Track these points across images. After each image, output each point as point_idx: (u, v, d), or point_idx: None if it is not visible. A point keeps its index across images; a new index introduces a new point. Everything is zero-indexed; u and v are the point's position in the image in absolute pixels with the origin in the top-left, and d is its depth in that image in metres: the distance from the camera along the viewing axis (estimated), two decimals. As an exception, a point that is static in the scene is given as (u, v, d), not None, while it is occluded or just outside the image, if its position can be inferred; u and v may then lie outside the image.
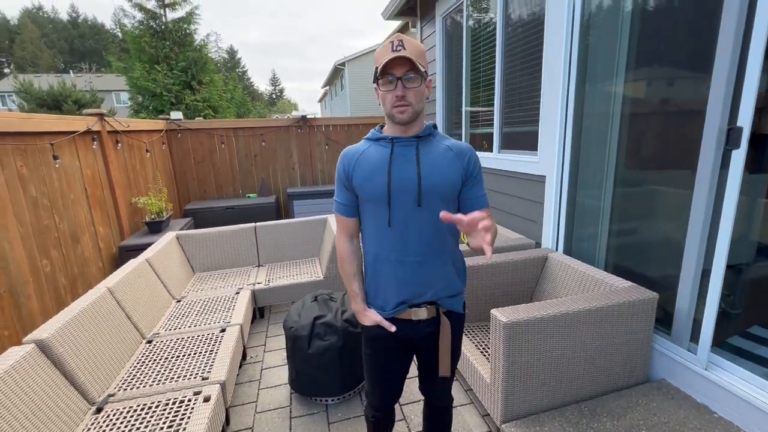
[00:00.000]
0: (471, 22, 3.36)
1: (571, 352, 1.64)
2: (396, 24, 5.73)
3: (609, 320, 1.66)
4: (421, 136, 1.16)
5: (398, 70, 1.06)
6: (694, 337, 1.66)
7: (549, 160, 2.39)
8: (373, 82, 1.12)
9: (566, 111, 2.25)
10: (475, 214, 0.87)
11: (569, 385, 1.68)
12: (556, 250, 2.43)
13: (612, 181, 2.04)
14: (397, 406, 1.93)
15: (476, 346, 2.01)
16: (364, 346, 1.32)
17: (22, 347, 1.52)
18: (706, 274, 1.58)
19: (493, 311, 1.59)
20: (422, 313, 1.21)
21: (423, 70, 1.07)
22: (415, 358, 1.38)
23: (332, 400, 2.01)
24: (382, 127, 1.22)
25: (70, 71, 41.96)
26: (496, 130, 3.03)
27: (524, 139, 2.72)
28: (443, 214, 0.87)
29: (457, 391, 2.07)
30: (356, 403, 2.02)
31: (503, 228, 2.94)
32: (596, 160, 2.12)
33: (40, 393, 1.47)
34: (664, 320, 1.80)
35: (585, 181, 2.23)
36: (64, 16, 53.66)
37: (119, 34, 8.74)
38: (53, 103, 15.15)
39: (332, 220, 3.38)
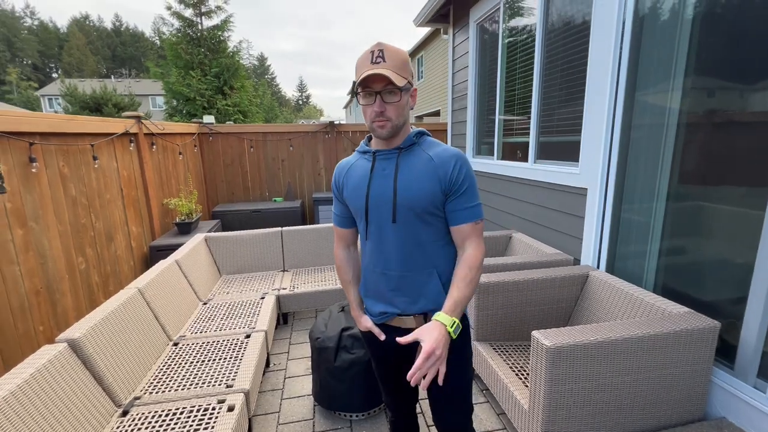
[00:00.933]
0: (507, 28, 3.26)
1: (618, 381, 1.50)
2: (421, 34, 5.68)
3: (663, 349, 1.51)
4: (402, 147, 1.10)
5: (377, 84, 1.00)
6: (763, 372, 1.49)
7: (592, 172, 2.26)
8: (350, 94, 1.08)
9: (613, 120, 2.12)
10: (426, 349, 0.93)
11: (615, 418, 1.54)
12: (598, 267, 2.28)
13: (665, 196, 1.89)
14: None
15: (511, 367, 1.89)
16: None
17: (55, 346, 1.53)
18: (778, 303, 1.41)
19: (535, 333, 1.48)
20: (409, 322, 1.17)
21: (404, 83, 1.00)
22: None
23: (357, 416, 1.93)
24: (371, 138, 1.17)
25: (112, 76, 44.36)
26: (532, 140, 2.91)
27: (563, 150, 2.59)
28: (400, 340, 0.97)
29: (487, 414, 1.95)
30: (381, 419, 1.93)
31: (538, 242, 2.80)
32: (647, 173, 1.98)
33: (70, 393, 1.46)
34: (725, 352, 1.63)
35: (632, 195, 2.08)
36: (108, 24, 56.89)
37: (158, 42, 9.14)
38: (95, 106, 15.98)
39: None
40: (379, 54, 0.99)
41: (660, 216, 1.92)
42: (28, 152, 2.18)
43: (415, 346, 1.09)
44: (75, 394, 1.49)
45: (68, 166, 2.56)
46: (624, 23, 2.01)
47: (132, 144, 3.38)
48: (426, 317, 1.15)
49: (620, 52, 2.04)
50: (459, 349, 1.14)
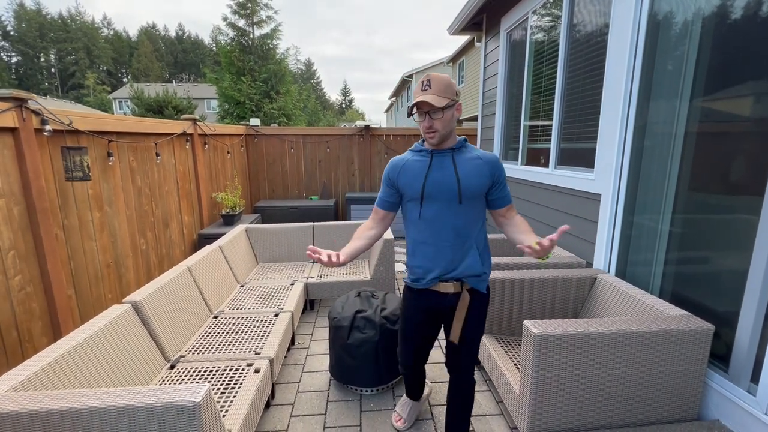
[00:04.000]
0: (534, 37, 3.35)
1: (606, 373, 1.59)
2: (462, 39, 5.81)
3: (653, 347, 1.58)
4: (454, 148, 1.45)
5: (425, 107, 1.33)
6: (756, 377, 1.52)
7: (605, 178, 2.32)
8: (408, 115, 1.41)
9: (626, 128, 2.18)
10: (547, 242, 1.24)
11: (604, 408, 1.63)
12: (608, 271, 2.33)
13: (671, 204, 1.94)
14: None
15: (511, 358, 2.02)
16: (401, 308, 1.67)
17: (121, 306, 1.88)
18: (772, 309, 1.45)
19: (526, 322, 1.61)
20: (449, 287, 1.47)
21: (446, 103, 1.33)
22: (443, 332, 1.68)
23: (366, 391, 2.14)
24: (423, 141, 1.49)
25: (173, 81, 48.10)
26: (553, 146, 2.99)
27: (581, 156, 2.65)
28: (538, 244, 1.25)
29: (488, 401, 2.08)
30: (388, 397, 2.12)
31: (556, 247, 2.86)
32: (656, 181, 2.03)
33: (130, 346, 1.80)
34: (722, 356, 1.67)
35: (643, 202, 2.13)
36: (172, 33, 61.76)
37: (214, 49, 9.97)
38: (157, 108, 17.54)
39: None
40: (426, 83, 1.34)
41: (667, 223, 1.97)
42: (107, 148, 2.62)
43: (450, 308, 1.50)
44: (134, 347, 1.82)
45: (136, 160, 3.00)
46: (638, 34, 2.08)
47: (188, 143, 3.84)
48: (462, 283, 1.47)
49: (634, 62, 2.11)
50: (483, 307, 1.53)
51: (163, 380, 1.87)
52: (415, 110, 1.36)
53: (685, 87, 1.85)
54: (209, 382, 1.85)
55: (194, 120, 3.92)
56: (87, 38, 54.08)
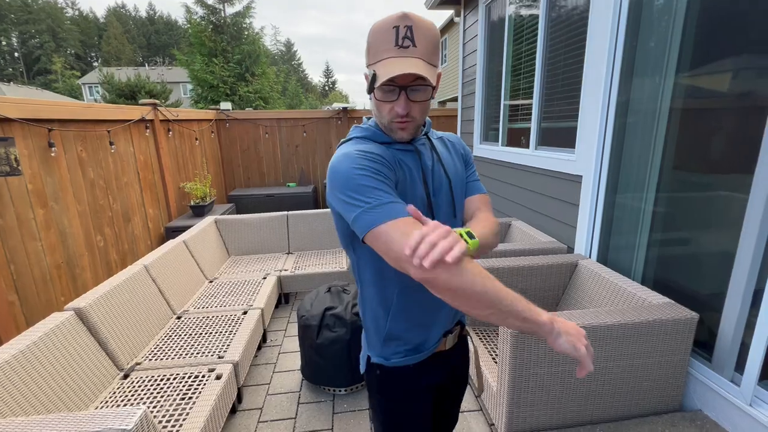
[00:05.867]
0: (514, 10, 3.16)
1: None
2: (445, 15, 5.55)
3: (636, 338, 1.50)
4: (426, 133, 0.94)
5: (404, 79, 0.76)
6: (740, 366, 1.45)
7: (587, 158, 2.20)
8: (369, 91, 0.81)
9: (608, 107, 2.05)
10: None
11: (585, 404, 1.55)
12: (590, 257, 2.24)
13: (655, 185, 1.83)
14: None
15: (489, 352, 1.92)
16: (385, 414, 0.99)
17: (63, 313, 1.70)
18: (758, 294, 1.37)
19: (502, 318, 1.50)
20: (451, 339, 1.00)
21: (436, 74, 0.79)
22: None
23: (340, 391, 2.03)
24: (377, 125, 0.88)
25: (146, 64, 46.06)
26: (533, 126, 2.85)
27: (562, 136, 2.52)
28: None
29: (467, 395, 2.00)
30: (363, 396, 2.02)
31: (535, 230, 2.77)
32: (639, 160, 1.91)
33: (75, 356, 1.63)
34: (705, 344, 1.60)
35: (626, 183, 2.02)
36: (143, 13, 58.78)
37: (189, 31, 9.41)
38: (130, 94, 16.73)
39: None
40: (406, 34, 0.75)
41: (650, 205, 1.87)
42: (47, 138, 2.37)
43: (454, 368, 1.06)
44: (80, 357, 1.66)
45: (86, 151, 2.75)
46: (621, 7, 1.93)
47: (148, 130, 3.57)
48: (462, 327, 1.05)
49: (616, 37, 1.96)
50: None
51: (114, 392, 1.72)
52: (377, 84, 0.75)
53: (670, 62, 1.72)
54: (165, 392, 1.70)
55: (154, 105, 3.64)
56: (51, 19, 51.03)
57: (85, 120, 2.74)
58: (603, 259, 2.18)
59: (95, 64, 51.81)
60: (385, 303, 0.91)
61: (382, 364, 0.94)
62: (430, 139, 0.94)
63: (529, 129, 2.95)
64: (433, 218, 0.84)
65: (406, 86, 0.78)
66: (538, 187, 2.81)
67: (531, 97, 2.86)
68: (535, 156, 2.83)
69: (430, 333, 0.94)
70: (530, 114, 2.90)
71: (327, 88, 60.07)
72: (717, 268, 1.56)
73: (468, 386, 2.02)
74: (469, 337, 1.10)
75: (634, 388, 1.57)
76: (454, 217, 0.93)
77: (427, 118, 0.94)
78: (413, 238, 0.61)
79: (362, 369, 1.02)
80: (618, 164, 2.06)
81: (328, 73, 62.15)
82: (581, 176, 2.26)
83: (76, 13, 56.46)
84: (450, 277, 0.63)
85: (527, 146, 3.00)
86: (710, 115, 1.60)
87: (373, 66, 0.78)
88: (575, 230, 2.35)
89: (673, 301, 1.60)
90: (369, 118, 0.92)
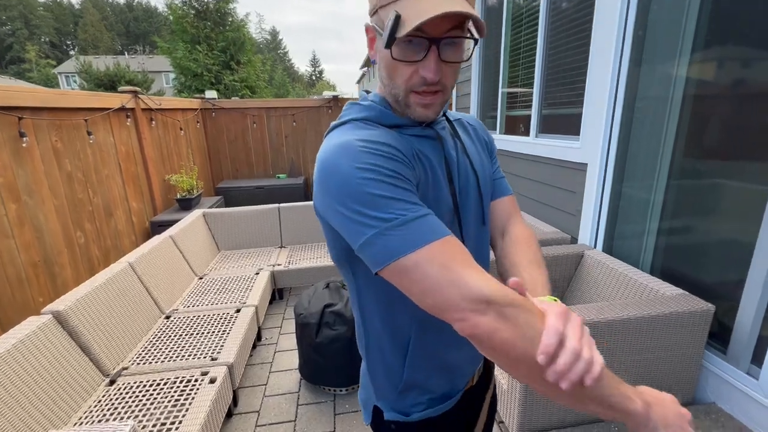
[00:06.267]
0: (513, -8, 3.05)
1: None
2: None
3: (652, 332, 1.44)
4: (445, 114, 0.72)
5: (439, 26, 0.53)
6: (757, 358, 1.41)
7: (593, 146, 2.13)
8: (388, 44, 0.53)
9: (616, 92, 1.97)
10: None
11: (598, 401, 1.49)
12: (594, 247, 2.18)
13: (666, 172, 1.77)
14: None
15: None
16: None
17: (40, 317, 1.56)
18: (778, 286, 1.32)
19: (514, 313, 1.43)
20: (480, 370, 0.81)
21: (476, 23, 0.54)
22: None
23: (341, 391, 1.95)
24: (384, 99, 0.64)
25: (126, 53, 44.51)
26: (534, 112, 2.76)
27: (565, 123, 2.45)
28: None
29: (472, 392, 1.94)
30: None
31: (537, 220, 2.70)
32: (649, 147, 1.85)
33: (55, 363, 1.50)
34: (719, 336, 1.55)
35: (634, 171, 1.96)
36: (121, -1, 56.59)
37: (171, 17, 9.01)
38: (109, 83, 16.11)
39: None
40: None
41: (661, 193, 1.80)
42: (17, 127, 2.19)
43: (477, 406, 0.82)
44: (60, 363, 1.53)
45: (62, 141, 2.56)
46: (632, -19, 1.83)
47: (129, 119, 3.38)
48: (485, 362, 0.83)
49: (626, 16, 1.87)
50: None
51: (100, 400, 1.60)
52: (402, 31, 0.51)
53: (685, 42, 1.64)
54: (155, 399, 1.59)
55: (135, 92, 3.44)
56: (23, 6, 48.74)
57: (60, 108, 2.55)
58: (608, 249, 2.13)
59: (71, 52, 49.83)
60: (398, 342, 0.68)
61: (400, 421, 0.71)
62: (450, 121, 0.71)
63: (528, 116, 2.87)
64: (460, 230, 0.66)
65: (439, 39, 0.54)
66: (539, 176, 2.74)
67: (531, 83, 2.77)
68: (536, 144, 2.75)
69: (457, 374, 0.73)
70: (530, 100, 2.81)
71: (314, 77, 59.12)
72: (733, 258, 1.51)
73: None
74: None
75: (646, 382, 1.51)
76: (483, 224, 0.72)
77: None
78: (549, 338, 0.43)
79: (366, 419, 0.79)
80: (626, 151, 1.99)
81: (315, 63, 61.13)
82: (586, 164, 2.19)
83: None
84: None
85: (527, 134, 2.92)
86: (728, 100, 1.53)
87: (393, 4, 0.53)
88: (579, 220, 2.29)
89: (686, 292, 1.55)
90: (368, 93, 0.68)
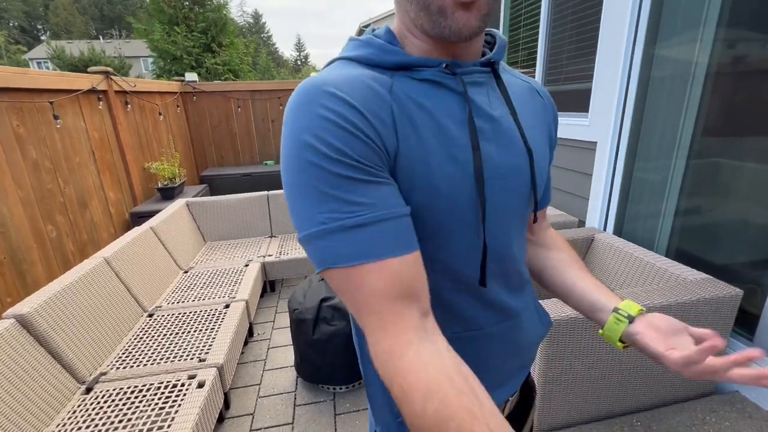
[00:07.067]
0: (513, -40, 2.86)
1: (624, 356, 1.35)
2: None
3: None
4: (494, 60, 0.52)
5: None
6: (787, 345, 1.33)
7: (603, 123, 2.00)
8: None
9: (630, 65, 1.83)
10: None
11: (619, 394, 1.40)
12: (604, 230, 2.08)
13: (686, 151, 1.65)
14: None
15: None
16: None
17: (1, 322, 1.39)
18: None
19: (531, 305, 1.31)
20: (514, 400, 0.67)
21: None
22: None
23: (339, 389, 1.83)
24: (391, 32, 0.50)
25: (101, 37, 42.60)
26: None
27: (572, 99, 2.31)
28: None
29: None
30: (365, 392, 1.82)
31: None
32: (667, 125, 1.72)
33: (20, 372, 1.34)
34: (744, 321, 1.46)
35: (648, 149, 1.84)
36: (93, -20, 53.79)
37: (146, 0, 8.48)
38: (84, 69, 15.41)
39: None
40: None
41: (679, 173, 1.69)
42: (-31, 109, 1.95)
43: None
44: (27, 373, 1.36)
45: (24, 126, 2.32)
46: (651, -62, 1.68)
47: (101, 102, 3.12)
48: (528, 375, 0.70)
49: (645, -24, 1.72)
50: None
51: (75, 411, 1.44)
52: None
53: (711, 11, 1.50)
54: (137, 408, 1.44)
55: (107, 73, 3.17)
56: (-13, -13, 45.98)
57: (20, 89, 2.30)
58: (619, 231, 2.02)
59: (43, 37, 47.48)
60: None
61: None
62: (497, 75, 0.53)
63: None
64: (483, 207, 0.47)
65: None
66: (542, 157, 2.61)
67: (534, 57, 2.61)
68: (538, 123, 2.61)
69: None
70: (533, 75, 2.66)
71: (299, 62, 57.70)
72: (758, 240, 1.41)
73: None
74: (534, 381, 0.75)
75: (667, 373, 1.42)
76: (535, 220, 0.60)
77: (496, 30, 0.56)
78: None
79: None
80: (639, 128, 1.86)
81: (299, 47, 59.58)
82: (596, 143, 2.07)
83: (16, -21, 51.01)
84: None
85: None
86: (757, 76, 1.40)
87: None
88: (587, 202, 2.18)
89: (711, 277, 1.45)
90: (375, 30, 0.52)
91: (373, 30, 0.52)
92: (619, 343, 0.55)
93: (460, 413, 0.35)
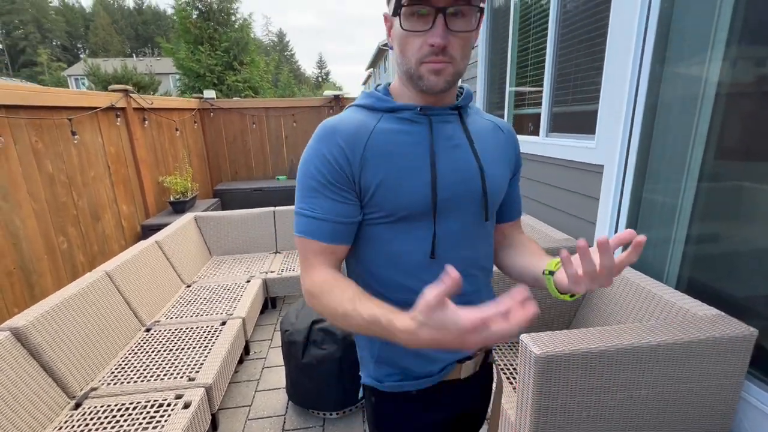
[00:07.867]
0: (522, -18, 2.86)
1: (625, 396, 1.26)
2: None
3: (685, 361, 1.25)
4: (460, 106, 0.72)
5: None
6: (809, 392, 1.21)
7: (610, 146, 1.93)
8: (395, 12, 0.61)
9: (637, 86, 1.77)
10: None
11: (620, 437, 1.30)
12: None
13: (696, 175, 1.57)
14: None
15: (502, 368, 1.67)
16: None
17: (-5, 335, 1.41)
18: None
19: (523, 337, 1.24)
20: (470, 366, 0.79)
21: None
22: None
23: (331, 415, 1.78)
24: (388, 87, 0.73)
25: (134, 55, 44.99)
26: (544, 110, 2.57)
27: (579, 121, 2.25)
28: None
29: (476, 417, 1.75)
30: (357, 420, 1.76)
31: (547, 226, 2.51)
32: (676, 148, 1.65)
33: (9, 385, 1.35)
34: (761, 363, 1.35)
35: (657, 173, 1.76)
36: (130, 3, 57.27)
37: (176, 17, 8.96)
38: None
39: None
40: None
41: (689, 198, 1.60)
42: (-10, 126, 2.06)
43: (473, 399, 0.86)
44: (16, 386, 1.38)
45: (42, 141, 2.43)
46: (656, -39, 1.64)
47: (119, 119, 3.25)
48: (488, 353, 0.85)
49: (648, 12, 1.68)
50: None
51: (62, 427, 1.44)
52: (407, 2, 0.59)
53: (719, 32, 1.44)
54: (121, 427, 1.43)
55: (126, 91, 3.31)
56: (35, 9, 49.55)
57: (40, 106, 2.42)
58: (628, 259, 1.93)
59: (82, 55, 50.52)
60: None
61: (375, 388, 0.78)
62: (461, 115, 0.73)
63: (538, 114, 2.67)
64: (434, 214, 0.67)
65: (444, 8, 0.59)
66: (549, 178, 2.55)
67: (541, 81, 2.58)
68: (546, 144, 2.56)
69: (435, 363, 0.76)
70: (540, 97, 2.62)
71: (320, 79, 59.25)
72: (777, 273, 1.30)
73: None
74: (495, 364, 0.92)
75: (676, 417, 1.32)
76: (486, 220, 0.74)
77: (466, 85, 0.77)
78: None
79: (360, 393, 0.87)
80: (647, 152, 1.79)
81: (321, 64, 61.27)
82: (602, 166, 2.00)
83: (61, 3, 54.88)
84: None
85: (536, 133, 2.73)
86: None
87: None
88: (594, 226, 2.09)
89: (723, 314, 1.35)
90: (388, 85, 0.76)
91: (378, 85, 0.75)
92: (562, 296, 0.64)
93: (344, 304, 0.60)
